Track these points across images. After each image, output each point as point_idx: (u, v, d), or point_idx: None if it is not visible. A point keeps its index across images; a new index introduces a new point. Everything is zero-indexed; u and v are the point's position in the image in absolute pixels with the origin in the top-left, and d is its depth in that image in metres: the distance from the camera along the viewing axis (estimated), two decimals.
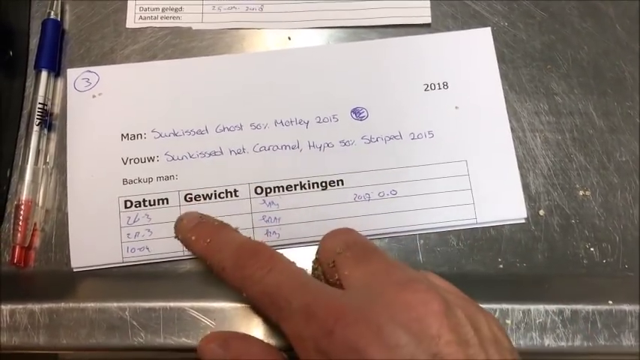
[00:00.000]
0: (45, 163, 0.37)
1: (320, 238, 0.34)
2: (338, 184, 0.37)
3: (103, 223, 0.36)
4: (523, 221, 0.37)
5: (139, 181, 0.36)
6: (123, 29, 0.40)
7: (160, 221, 0.36)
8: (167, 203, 0.36)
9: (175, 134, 0.37)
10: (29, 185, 0.36)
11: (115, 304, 0.33)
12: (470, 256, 0.36)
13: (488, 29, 0.39)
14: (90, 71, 0.38)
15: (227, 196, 0.36)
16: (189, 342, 0.33)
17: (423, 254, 0.37)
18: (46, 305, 0.33)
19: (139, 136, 0.37)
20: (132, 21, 0.40)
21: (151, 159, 0.37)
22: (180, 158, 0.37)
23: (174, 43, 0.40)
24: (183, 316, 0.33)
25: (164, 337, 0.33)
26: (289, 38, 0.40)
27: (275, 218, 0.36)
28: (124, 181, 0.36)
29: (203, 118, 0.37)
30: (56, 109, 0.38)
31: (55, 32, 0.38)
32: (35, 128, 0.37)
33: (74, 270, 0.35)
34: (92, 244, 0.35)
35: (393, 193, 0.37)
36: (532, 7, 0.41)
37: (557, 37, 0.40)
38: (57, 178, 0.37)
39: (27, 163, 0.36)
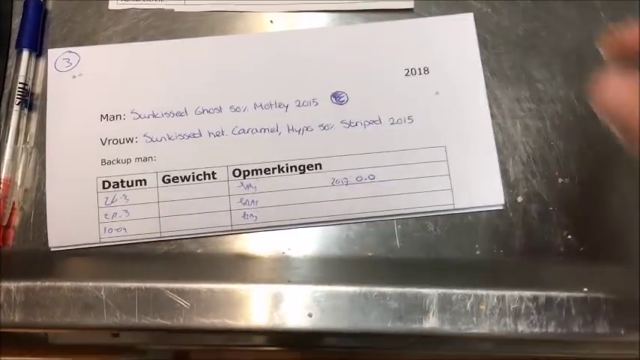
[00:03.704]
0: (25, 142, 0.37)
1: (297, 222, 0.34)
2: (316, 168, 0.37)
3: (80, 203, 0.36)
4: (501, 208, 0.37)
5: (118, 161, 0.36)
6: (105, 10, 0.40)
7: (138, 202, 0.36)
8: (145, 184, 0.36)
9: (154, 115, 0.37)
10: (8, 164, 0.36)
11: (91, 284, 0.33)
12: (447, 242, 0.37)
13: (471, 15, 0.39)
14: (71, 51, 0.38)
15: (205, 178, 0.36)
16: (163, 322, 0.33)
17: (400, 239, 0.37)
18: (22, 284, 0.33)
19: (118, 116, 0.37)
20: (114, 2, 0.40)
21: (130, 140, 0.37)
22: (159, 140, 0.37)
23: (157, 25, 0.39)
24: (159, 296, 0.33)
25: (139, 317, 0.33)
26: (271, 21, 0.40)
27: (252, 201, 0.36)
28: (103, 162, 0.36)
29: (182, 99, 0.37)
30: (37, 89, 0.38)
31: (37, 12, 0.38)
32: (15, 107, 0.37)
33: (52, 249, 0.35)
34: (70, 224, 0.35)
35: (371, 177, 0.37)
36: None
37: (541, 24, 0.40)
38: (37, 158, 0.37)
39: (6, 142, 0.36)
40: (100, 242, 0.35)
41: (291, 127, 0.37)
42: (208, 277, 0.34)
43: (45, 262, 0.35)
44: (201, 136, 0.37)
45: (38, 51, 0.38)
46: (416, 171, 0.37)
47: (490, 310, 0.33)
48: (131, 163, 0.36)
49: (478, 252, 0.36)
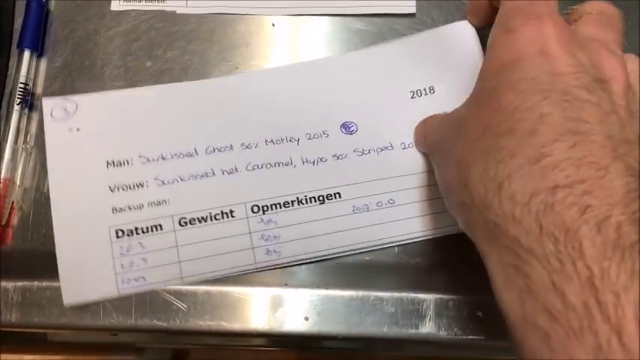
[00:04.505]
0: (25, 142, 0.37)
1: (322, 253, 0.35)
2: (335, 197, 0.36)
3: (94, 256, 0.34)
4: None
5: (129, 208, 0.35)
6: (107, 11, 0.40)
7: (155, 249, 0.34)
8: (161, 229, 0.35)
9: (164, 158, 0.36)
10: (8, 164, 0.36)
11: None
12: (445, 248, 0.36)
13: (466, 22, 0.38)
14: (67, 99, 0.36)
15: (223, 217, 0.35)
16: (160, 324, 0.33)
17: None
18: (19, 283, 0.33)
19: (126, 162, 0.35)
20: (117, 3, 0.40)
21: (140, 185, 0.35)
22: (170, 182, 0.35)
23: (158, 26, 0.40)
24: (156, 298, 0.34)
25: (135, 318, 0.33)
26: (273, 25, 0.40)
27: (274, 236, 0.35)
28: (114, 210, 0.35)
29: (191, 140, 0.36)
30: (38, 89, 0.38)
31: (38, 12, 0.38)
32: (16, 107, 0.37)
33: (66, 306, 0.33)
34: (84, 278, 0.34)
35: (391, 202, 0.36)
36: None
37: None
38: (37, 158, 0.37)
39: (6, 142, 0.36)
40: (118, 294, 0.34)
41: (305, 159, 0.36)
42: (205, 280, 0.34)
43: (43, 262, 0.35)
44: (214, 175, 0.36)
45: (39, 51, 0.38)
46: (434, 192, 0.36)
47: (486, 316, 0.33)
48: (144, 209, 0.35)
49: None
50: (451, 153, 0.29)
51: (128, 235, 0.34)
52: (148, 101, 0.37)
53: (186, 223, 0.35)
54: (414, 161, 0.37)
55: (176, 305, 0.33)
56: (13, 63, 0.38)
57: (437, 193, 0.35)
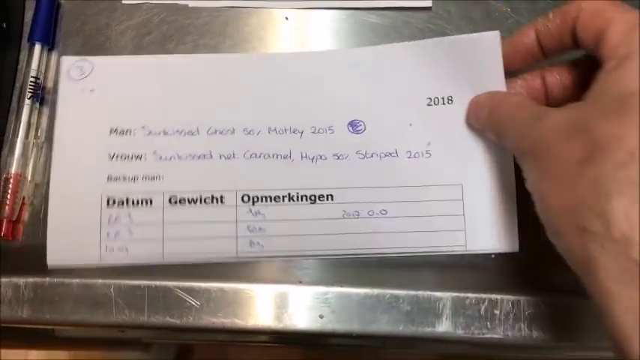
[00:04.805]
0: (36, 137, 0.37)
1: (305, 253, 0.34)
2: (327, 199, 0.35)
3: (83, 220, 0.34)
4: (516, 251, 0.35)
5: (124, 178, 0.35)
6: (119, 5, 0.39)
7: (142, 222, 0.34)
8: (150, 204, 0.35)
9: (165, 133, 0.36)
10: (19, 159, 0.35)
11: (100, 281, 0.33)
12: None
13: (497, 33, 0.35)
14: (85, 59, 0.37)
15: (212, 202, 0.35)
16: (172, 321, 0.33)
17: None
18: (31, 279, 0.33)
19: (129, 131, 0.36)
20: None
21: (139, 157, 0.35)
22: (168, 158, 0.35)
23: (170, 20, 0.39)
24: (168, 295, 0.33)
25: (148, 315, 0.33)
26: (287, 18, 0.39)
27: (260, 229, 0.35)
28: (109, 178, 0.35)
29: (196, 118, 0.36)
30: (49, 83, 0.38)
31: (49, 6, 0.38)
32: (27, 102, 0.36)
33: (49, 267, 0.34)
34: (70, 242, 0.34)
35: (383, 212, 0.35)
36: None
37: None
38: (47, 153, 0.37)
39: (17, 137, 0.36)
40: (99, 262, 0.34)
41: (304, 155, 0.36)
42: (218, 277, 0.34)
43: None
44: (211, 157, 0.35)
45: (51, 45, 0.38)
46: (429, 209, 0.35)
47: (504, 314, 0.33)
48: (138, 181, 0.35)
49: (493, 255, 0.36)
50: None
51: (118, 206, 0.35)
52: (162, 69, 0.37)
53: (176, 202, 0.35)
54: (415, 173, 0.35)
55: (189, 302, 0.33)
56: (23, 57, 0.38)
57: (431, 210, 0.35)
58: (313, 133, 0.36)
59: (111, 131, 0.36)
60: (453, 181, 0.35)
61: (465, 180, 0.35)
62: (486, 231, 0.35)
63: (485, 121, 0.33)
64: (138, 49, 0.38)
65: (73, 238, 0.34)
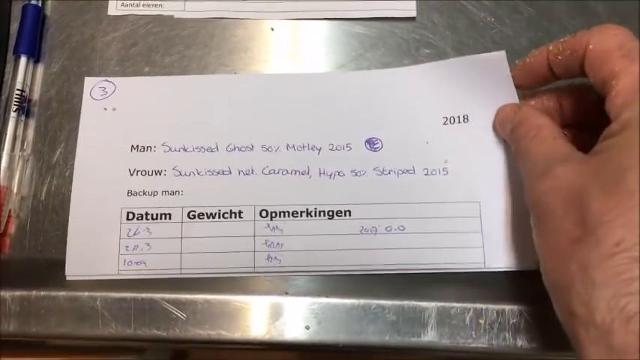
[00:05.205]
0: (22, 149, 0.37)
1: (323, 269, 0.35)
2: (345, 215, 0.36)
3: (102, 232, 0.35)
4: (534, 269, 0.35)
5: (144, 193, 0.36)
6: (104, 16, 0.39)
7: (160, 236, 0.35)
8: (169, 219, 0.35)
9: (185, 149, 0.36)
10: (5, 172, 0.35)
11: (87, 294, 0.33)
12: None
13: (503, 53, 0.35)
14: (107, 80, 0.37)
15: (231, 217, 0.35)
16: (159, 333, 0.33)
17: None
18: (17, 293, 0.33)
19: (149, 148, 0.36)
20: (114, 8, 0.39)
21: (159, 172, 0.36)
22: (187, 174, 0.36)
23: (156, 31, 0.39)
24: (155, 307, 0.33)
25: (134, 328, 0.33)
26: (272, 29, 0.40)
27: (278, 244, 0.35)
28: (129, 193, 0.35)
29: (215, 135, 0.36)
30: (35, 96, 0.38)
31: (35, 18, 0.38)
32: (12, 114, 0.36)
33: (67, 279, 0.34)
34: (89, 255, 0.35)
35: (401, 228, 0.35)
36: (520, 3, 0.40)
37: (545, 34, 0.40)
38: (33, 165, 0.37)
39: (3, 150, 0.36)
40: (117, 275, 0.34)
41: (322, 171, 0.36)
42: (205, 289, 0.34)
43: (40, 270, 0.35)
44: (230, 173, 0.36)
45: (36, 57, 0.38)
46: (447, 225, 0.35)
47: (489, 324, 0.33)
48: (157, 196, 0.36)
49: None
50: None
51: (138, 219, 0.35)
52: (182, 89, 0.38)
53: (194, 216, 0.35)
54: (433, 190, 0.36)
55: (175, 314, 0.33)
56: (9, 69, 0.38)
57: (449, 227, 0.35)
58: (331, 150, 0.37)
59: (132, 148, 0.36)
60: (470, 198, 0.36)
61: (483, 197, 0.35)
62: (505, 248, 0.35)
63: (509, 136, 0.34)
64: (124, 61, 0.38)
65: (92, 250, 0.35)
